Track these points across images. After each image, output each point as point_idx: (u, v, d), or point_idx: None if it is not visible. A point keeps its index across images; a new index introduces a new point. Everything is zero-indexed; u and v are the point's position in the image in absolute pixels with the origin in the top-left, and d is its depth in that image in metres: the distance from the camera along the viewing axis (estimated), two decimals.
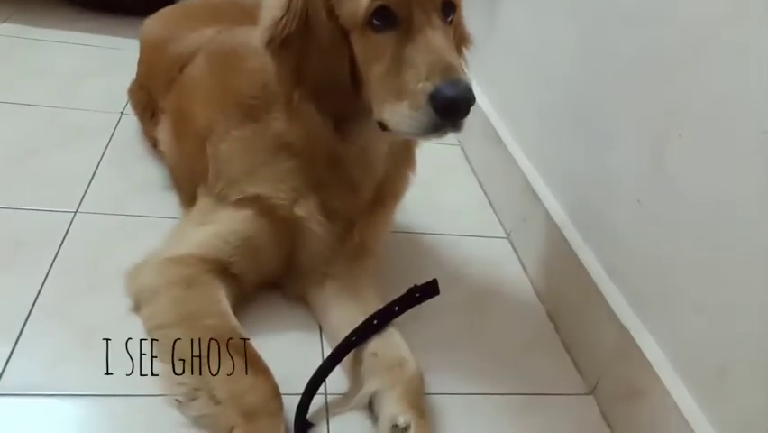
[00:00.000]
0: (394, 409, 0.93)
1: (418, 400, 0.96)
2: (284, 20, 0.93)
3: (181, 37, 1.36)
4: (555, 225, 1.27)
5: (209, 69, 1.21)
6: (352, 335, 1.01)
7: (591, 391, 1.10)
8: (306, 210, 1.07)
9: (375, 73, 0.93)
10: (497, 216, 1.56)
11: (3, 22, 2.05)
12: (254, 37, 1.01)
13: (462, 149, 1.84)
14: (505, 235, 1.50)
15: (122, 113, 1.66)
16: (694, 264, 0.92)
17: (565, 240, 1.22)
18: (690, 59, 0.94)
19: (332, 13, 0.93)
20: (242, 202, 1.07)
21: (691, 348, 0.92)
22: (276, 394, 0.91)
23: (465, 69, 0.91)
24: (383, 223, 1.20)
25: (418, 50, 0.88)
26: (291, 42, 0.94)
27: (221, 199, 1.09)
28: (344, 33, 0.94)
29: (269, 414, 0.88)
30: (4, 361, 0.95)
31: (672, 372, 0.94)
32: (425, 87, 0.86)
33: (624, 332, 1.02)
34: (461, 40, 1.10)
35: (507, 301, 1.31)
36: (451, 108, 0.86)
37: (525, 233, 1.41)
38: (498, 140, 1.58)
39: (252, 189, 1.06)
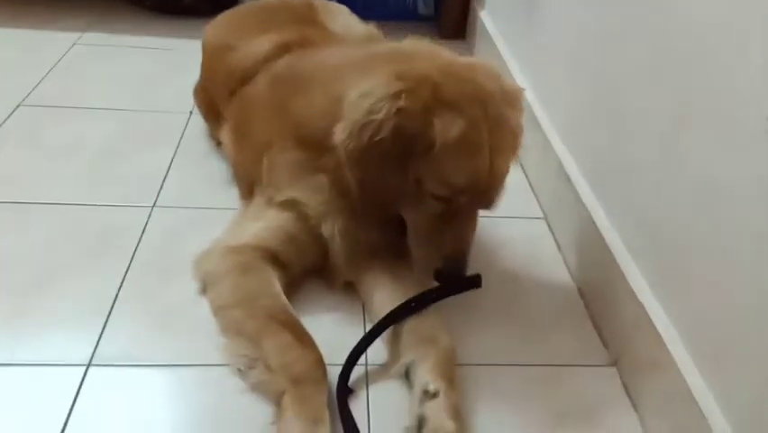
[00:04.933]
0: (426, 377, 1.04)
1: (449, 371, 1.06)
2: (371, 133, 1.03)
3: (239, 47, 1.48)
4: (585, 206, 1.33)
5: (273, 92, 1.32)
6: (390, 315, 1.14)
7: (615, 364, 1.18)
8: (329, 231, 1.19)
9: (414, 220, 1.14)
10: (535, 197, 1.64)
11: (83, 32, 2.27)
12: (336, 127, 1.08)
13: None
14: (542, 216, 1.57)
15: (190, 112, 1.83)
16: (703, 245, 0.98)
17: (593, 221, 1.29)
18: (697, 56, 0.99)
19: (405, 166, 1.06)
20: (284, 205, 1.21)
21: (698, 325, 0.98)
22: (320, 364, 1.03)
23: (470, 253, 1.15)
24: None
25: (449, 234, 1.11)
26: (366, 157, 1.05)
27: (270, 201, 1.23)
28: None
29: (315, 381, 1.00)
30: (98, 336, 1.13)
31: (681, 348, 1.00)
32: (436, 262, 1.12)
33: (641, 309, 1.09)
34: None
35: (541, 279, 1.39)
36: (444, 282, 1.15)
37: (560, 214, 1.48)
38: (536, 124, 1.64)
39: (292, 194, 1.20)
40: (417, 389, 1.04)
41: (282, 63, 1.38)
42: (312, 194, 1.19)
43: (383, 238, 1.22)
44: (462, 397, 1.07)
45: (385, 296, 1.22)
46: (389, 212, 1.15)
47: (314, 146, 1.17)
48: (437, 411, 0.99)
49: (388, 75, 1.05)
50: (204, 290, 1.20)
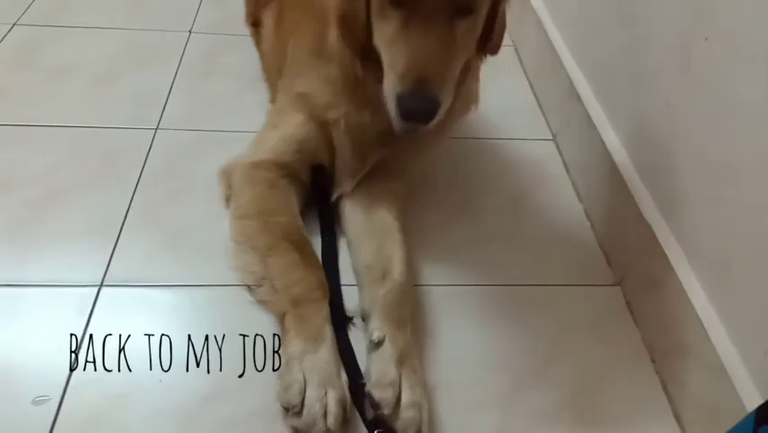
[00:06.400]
0: (372, 325, 1.01)
1: (396, 311, 1.01)
2: None
3: None
4: (594, 126, 1.31)
5: None
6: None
7: (619, 283, 1.19)
8: (336, 115, 1.16)
9: (380, 35, 1.01)
10: (544, 117, 1.60)
11: None
12: None
13: (516, 50, 1.85)
14: (551, 137, 1.55)
15: (190, 31, 1.78)
16: (712, 165, 0.97)
17: (602, 141, 1.27)
18: None
19: None
20: (297, 100, 1.19)
21: (703, 243, 0.99)
22: (321, 285, 1.03)
23: (443, 80, 0.97)
24: (419, 151, 1.24)
25: (406, 46, 0.96)
26: None
27: (286, 93, 1.22)
28: None
29: (313, 301, 1.00)
30: (108, 258, 1.14)
31: (686, 266, 1.01)
32: (395, 87, 0.96)
33: (648, 228, 1.09)
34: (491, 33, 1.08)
35: (548, 200, 1.38)
36: (409, 116, 0.97)
37: (569, 134, 1.46)
38: (547, 41, 1.59)
39: (302, 87, 1.19)
40: (368, 340, 1.01)
41: None
42: (321, 85, 1.16)
43: (389, 127, 1.09)
44: (415, 334, 1.03)
45: (356, 229, 1.19)
46: (366, 44, 1.05)
47: (325, 23, 1.12)
48: (380, 362, 0.96)
49: None
50: (228, 199, 1.21)
